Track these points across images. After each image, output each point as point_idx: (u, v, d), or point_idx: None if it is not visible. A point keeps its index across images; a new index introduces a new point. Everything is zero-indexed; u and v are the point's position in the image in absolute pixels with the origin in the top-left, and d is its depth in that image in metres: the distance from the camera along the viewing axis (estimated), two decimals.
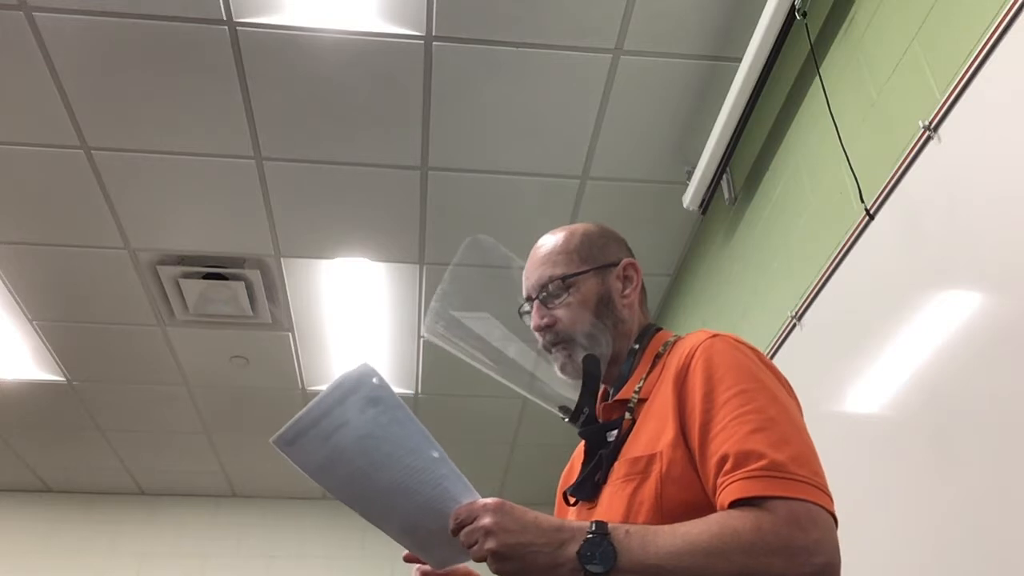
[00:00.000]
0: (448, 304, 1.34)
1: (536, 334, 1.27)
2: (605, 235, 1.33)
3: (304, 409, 1.00)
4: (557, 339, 1.25)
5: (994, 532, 1.50)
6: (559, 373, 1.26)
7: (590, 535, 0.93)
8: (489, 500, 0.97)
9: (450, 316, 1.32)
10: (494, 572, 0.95)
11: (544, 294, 1.26)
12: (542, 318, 1.25)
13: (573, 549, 0.93)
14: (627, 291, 1.28)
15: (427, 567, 1.17)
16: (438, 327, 1.31)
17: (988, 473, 1.52)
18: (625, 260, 1.30)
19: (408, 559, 1.17)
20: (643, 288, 1.32)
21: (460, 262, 1.40)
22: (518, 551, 0.93)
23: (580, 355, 1.23)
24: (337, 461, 1.01)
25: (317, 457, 1.01)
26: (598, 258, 1.28)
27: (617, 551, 0.92)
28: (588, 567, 0.92)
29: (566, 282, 1.25)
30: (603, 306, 1.25)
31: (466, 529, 0.96)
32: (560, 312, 1.24)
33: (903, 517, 1.77)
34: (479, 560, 0.96)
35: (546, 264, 1.28)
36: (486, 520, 0.95)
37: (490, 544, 0.93)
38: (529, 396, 1.31)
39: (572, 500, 1.20)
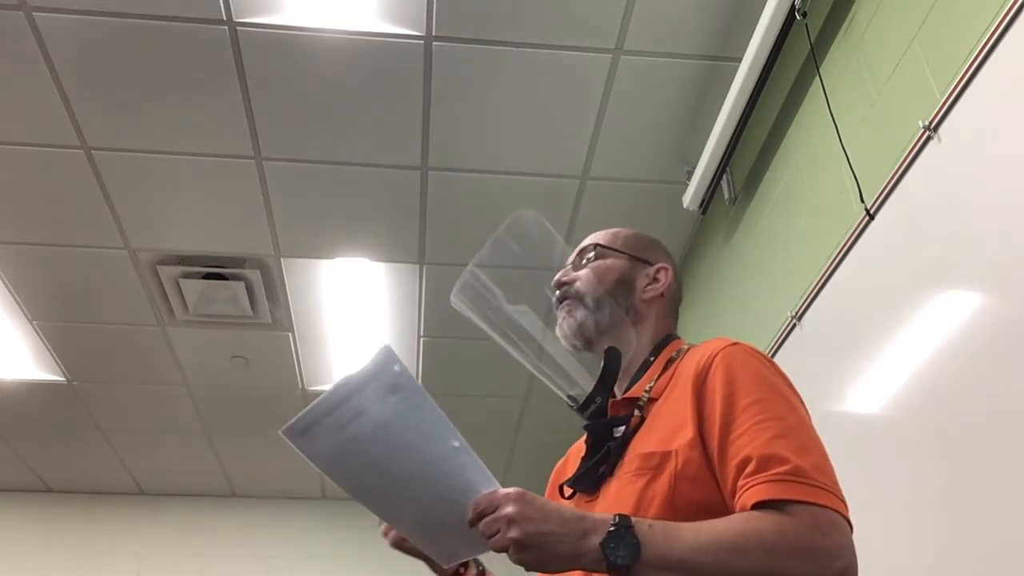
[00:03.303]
0: (480, 275, 1.34)
1: (553, 289, 1.33)
2: (655, 242, 1.39)
3: (319, 398, 0.96)
4: (567, 295, 1.30)
5: (994, 532, 1.50)
6: (558, 332, 1.30)
7: (613, 527, 0.93)
8: (511, 490, 0.96)
9: (478, 288, 1.32)
10: (515, 562, 0.94)
11: (578, 258, 1.34)
12: (565, 275, 1.32)
13: (596, 540, 0.92)
14: (649, 287, 1.32)
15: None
16: (465, 295, 1.31)
17: (988, 473, 1.52)
18: (661, 263, 1.35)
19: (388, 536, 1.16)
20: (674, 298, 1.35)
21: (502, 235, 1.40)
22: (540, 540, 0.92)
23: (581, 314, 1.27)
24: (351, 451, 0.98)
25: (329, 448, 0.98)
26: (637, 251, 1.35)
27: (641, 544, 0.92)
28: (611, 558, 0.91)
29: (601, 250, 1.33)
30: (621, 284, 1.30)
31: (487, 518, 0.95)
32: (581, 272, 1.31)
33: (903, 517, 1.76)
34: (499, 550, 0.94)
35: (593, 238, 1.37)
36: (509, 509, 0.93)
37: (513, 533, 0.92)
38: (541, 378, 1.31)
39: (568, 492, 1.20)
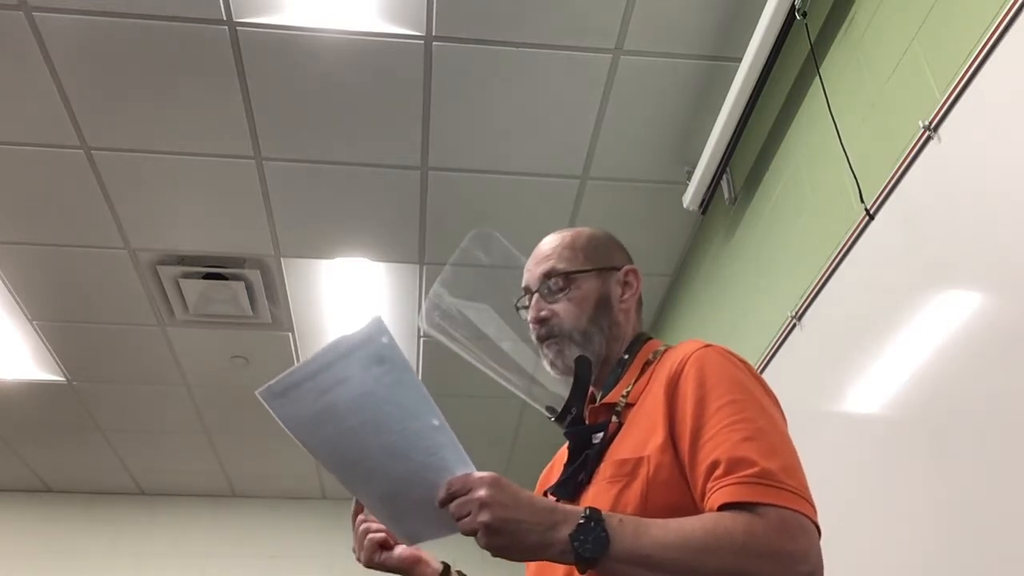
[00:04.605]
0: (446, 295, 1.34)
1: (531, 326, 1.28)
2: (610, 240, 1.34)
3: (301, 362, 0.95)
4: (552, 333, 1.25)
5: (993, 532, 1.50)
6: (548, 368, 1.26)
7: (583, 520, 0.93)
8: (485, 473, 0.95)
9: (447, 307, 1.32)
10: (482, 546, 0.93)
11: (545, 287, 1.27)
12: (540, 311, 1.26)
13: (566, 531, 0.92)
14: (626, 296, 1.29)
15: (375, 529, 1.17)
16: (434, 316, 1.31)
17: (987, 473, 1.52)
18: (627, 267, 1.32)
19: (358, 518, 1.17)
20: (640, 297, 1.33)
21: (462, 254, 1.40)
22: (510, 526, 0.92)
23: (573, 352, 1.23)
24: (328, 418, 0.96)
25: (306, 412, 0.96)
26: (602, 260, 1.30)
27: (610, 538, 0.92)
28: (580, 551, 0.91)
29: (569, 277, 1.27)
30: (601, 307, 1.26)
31: (459, 500, 0.94)
32: (559, 307, 1.25)
33: (902, 517, 1.76)
34: (468, 533, 0.94)
35: (551, 258, 1.29)
36: (481, 492, 0.93)
37: (483, 517, 0.92)
38: (517, 392, 1.31)
39: (553, 499, 1.20)
